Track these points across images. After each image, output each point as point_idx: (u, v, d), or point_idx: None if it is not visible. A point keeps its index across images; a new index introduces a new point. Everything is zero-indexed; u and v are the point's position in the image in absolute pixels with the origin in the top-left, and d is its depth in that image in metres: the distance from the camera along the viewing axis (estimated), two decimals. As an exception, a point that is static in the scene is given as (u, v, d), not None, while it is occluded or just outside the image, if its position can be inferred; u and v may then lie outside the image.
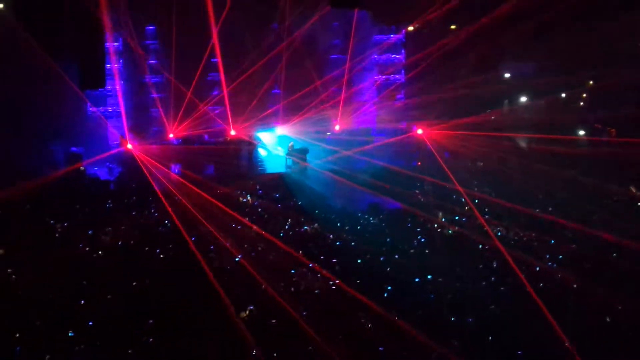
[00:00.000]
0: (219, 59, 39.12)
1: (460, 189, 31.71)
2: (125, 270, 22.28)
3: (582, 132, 40.86)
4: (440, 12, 39.46)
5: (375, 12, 42.82)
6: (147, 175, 33.23)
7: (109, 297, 20.22)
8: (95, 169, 36.87)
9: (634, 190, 31.29)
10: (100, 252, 24.21)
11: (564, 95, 42.66)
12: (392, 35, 44.68)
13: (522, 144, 40.35)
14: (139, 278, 21.60)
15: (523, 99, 43.82)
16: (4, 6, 33.92)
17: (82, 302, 19.84)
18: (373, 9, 41.98)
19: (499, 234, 26.51)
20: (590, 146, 39.84)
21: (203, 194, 30.10)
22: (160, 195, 30.10)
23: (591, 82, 42.11)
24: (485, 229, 26.81)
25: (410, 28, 44.00)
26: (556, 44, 38.33)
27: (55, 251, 24.10)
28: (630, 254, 23.59)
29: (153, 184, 32.07)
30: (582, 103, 43.17)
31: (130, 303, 19.88)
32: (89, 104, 39.19)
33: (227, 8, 37.62)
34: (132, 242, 25.29)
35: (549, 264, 23.21)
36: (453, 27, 42.06)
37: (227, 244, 24.70)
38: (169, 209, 28.12)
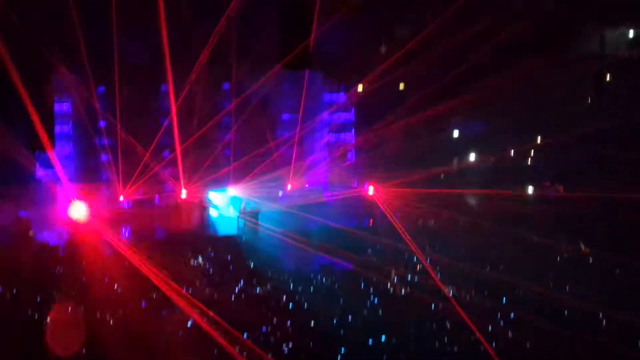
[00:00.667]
0: (174, 120, 39.06)
1: (412, 248, 31.92)
2: (74, 335, 21.97)
3: (530, 189, 41.31)
4: (390, 72, 39.88)
5: (325, 72, 43.15)
6: (97, 239, 32.93)
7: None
8: (45, 233, 36.37)
9: (583, 247, 31.64)
10: (48, 319, 23.84)
11: (512, 153, 43.22)
12: (342, 95, 44.91)
13: (472, 201, 40.69)
14: (89, 343, 21.31)
15: (472, 156, 44.25)
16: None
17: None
18: (323, 69, 42.31)
19: (451, 293, 26.57)
20: (539, 203, 40.28)
21: (154, 257, 29.85)
22: (110, 260, 29.89)
23: (539, 141, 42.74)
24: (438, 288, 26.94)
25: (360, 88, 44.32)
26: (505, 104, 38.97)
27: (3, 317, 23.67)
28: (582, 315, 23.88)
29: (103, 247, 31.79)
30: (530, 161, 43.75)
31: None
32: (37, 166, 38.75)
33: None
34: (82, 306, 24.97)
35: (501, 323, 23.31)
36: (402, 86, 42.52)
37: (179, 308, 24.53)
38: (120, 273, 27.88)
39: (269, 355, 21.04)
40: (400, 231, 34.25)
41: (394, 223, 36.09)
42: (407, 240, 32.92)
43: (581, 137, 38.45)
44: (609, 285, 26.43)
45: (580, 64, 38.50)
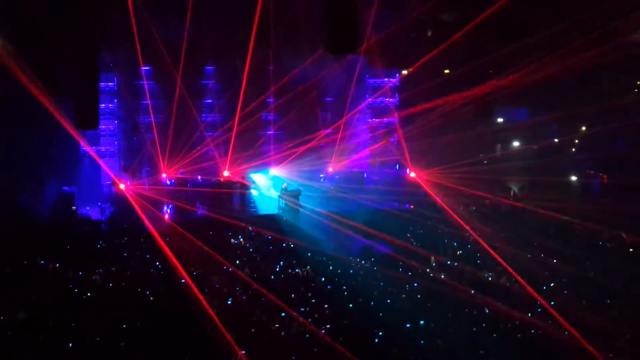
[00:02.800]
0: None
1: (452, 232, 31.97)
2: (116, 311, 22.16)
3: (574, 178, 41.06)
4: (435, 57, 39.72)
5: (369, 56, 43.00)
6: (139, 216, 33.18)
7: (97, 339, 20.10)
8: (87, 208, 36.77)
9: (624, 236, 31.39)
10: (89, 294, 24.06)
11: (556, 140, 43.00)
12: (386, 79, 44.85)
13: (515, 188, 40.51)
14: (130, 320, 21.49)
15: (516, 143, 44.06)
16: (4, 43, 33.71)
17: (71, 344, 19.70)
18: (368, 53, 42.14)
19: (490, 279, 26.48)
20: (582, 191, 40.13)
21: (195, 235, 29.99)
22: (152, 237, 30.08)
23: (584, 129, 42.47)
24: (478, 274, 26.87)
25: (405, 72, 44.24)
26: (550, 93, 38.75)
27: (46, 291, 23.90)
28: (624, 301, 23.73)
29: (145, 225, 31.99)
30: (574, 149, 43.51)
31: (120, 345, 19.78)
32: (82, 143, 39.13)
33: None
34: (123, 283, 25.18)
35: (539, 310, 23.18)
36: (447, 71, 42.35)
37: (218, 287, 24.70)
38: (161, 251, 28.07)
39: (307, 335, 21.08)
40: (440, 215, 34.26)
41: (435, 207, 36.12)
42: (448, 225, 32.92)
43: (626, 127, 38.22)
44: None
45: (626, 55, 38.07)
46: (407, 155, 42.39)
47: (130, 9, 35.32)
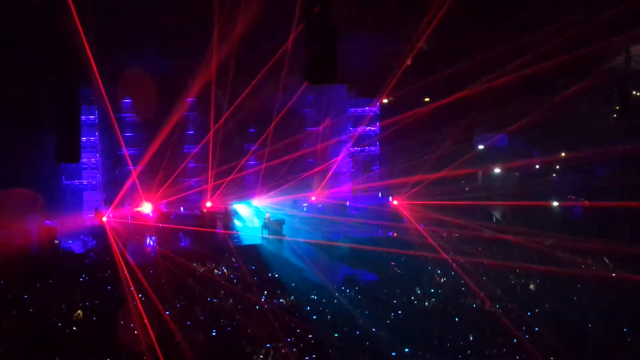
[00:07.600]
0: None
1: (436, 259, 31.97)
2: (100, 344, 22.05)
3: (555, 203, 41.20)
4: (415, 85, 39.93)
5: (350, 85, 43.26)
6: (122, 248, 33.00)
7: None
8: (70, 242, 36.54)
9: (607, 261, 31.50)
10: (74, 327, 23.91)
11: (537, 166, 43.22)
12: (366, 108, 45.04)
13: (497, 215, 40.63)
14: (114, 353, 21.38)
15: (497, 170, 44.22)
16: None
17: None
18: (348, 82, 42.36)
19: (475, 306, 26.53)
20: (564, 217, 40.23)
21: (179, 265, 29.92)
22: (135, 269, 29.93)
23: (563, 154, 42.69)
24: (463, 301, 26.94)
25: (385, 101, 44.43)
26: (530, 118, 38.95)
27: (29, 326, 23.72)
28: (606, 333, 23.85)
29: (128, 257, 31.84)
30: (554, 175, 43.72)
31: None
32: (64, 177, 39.10)
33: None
34: (106, 316, 25.03)
35: (527, 337, 23.22)
36: (427, 99, 42.54)
37: (203, 318, 24.64)
38: (144, 283, 27.93)
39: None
40: (424, 242, 34.30)
41: (417, 234, 36.16)
42: (432, 252, 32.94)
43: (606, 152, 38.48)
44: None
45: (605, 79, 38.43)
46: (388, 183, 42.57)
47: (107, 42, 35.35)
